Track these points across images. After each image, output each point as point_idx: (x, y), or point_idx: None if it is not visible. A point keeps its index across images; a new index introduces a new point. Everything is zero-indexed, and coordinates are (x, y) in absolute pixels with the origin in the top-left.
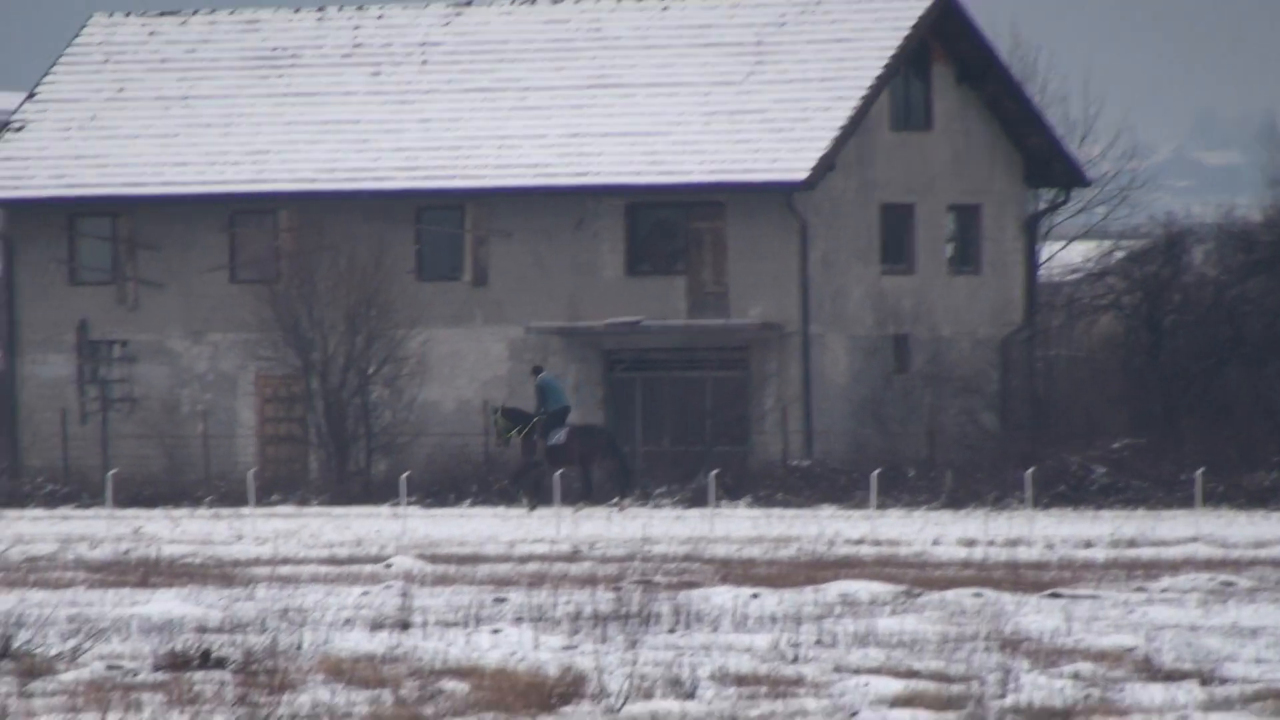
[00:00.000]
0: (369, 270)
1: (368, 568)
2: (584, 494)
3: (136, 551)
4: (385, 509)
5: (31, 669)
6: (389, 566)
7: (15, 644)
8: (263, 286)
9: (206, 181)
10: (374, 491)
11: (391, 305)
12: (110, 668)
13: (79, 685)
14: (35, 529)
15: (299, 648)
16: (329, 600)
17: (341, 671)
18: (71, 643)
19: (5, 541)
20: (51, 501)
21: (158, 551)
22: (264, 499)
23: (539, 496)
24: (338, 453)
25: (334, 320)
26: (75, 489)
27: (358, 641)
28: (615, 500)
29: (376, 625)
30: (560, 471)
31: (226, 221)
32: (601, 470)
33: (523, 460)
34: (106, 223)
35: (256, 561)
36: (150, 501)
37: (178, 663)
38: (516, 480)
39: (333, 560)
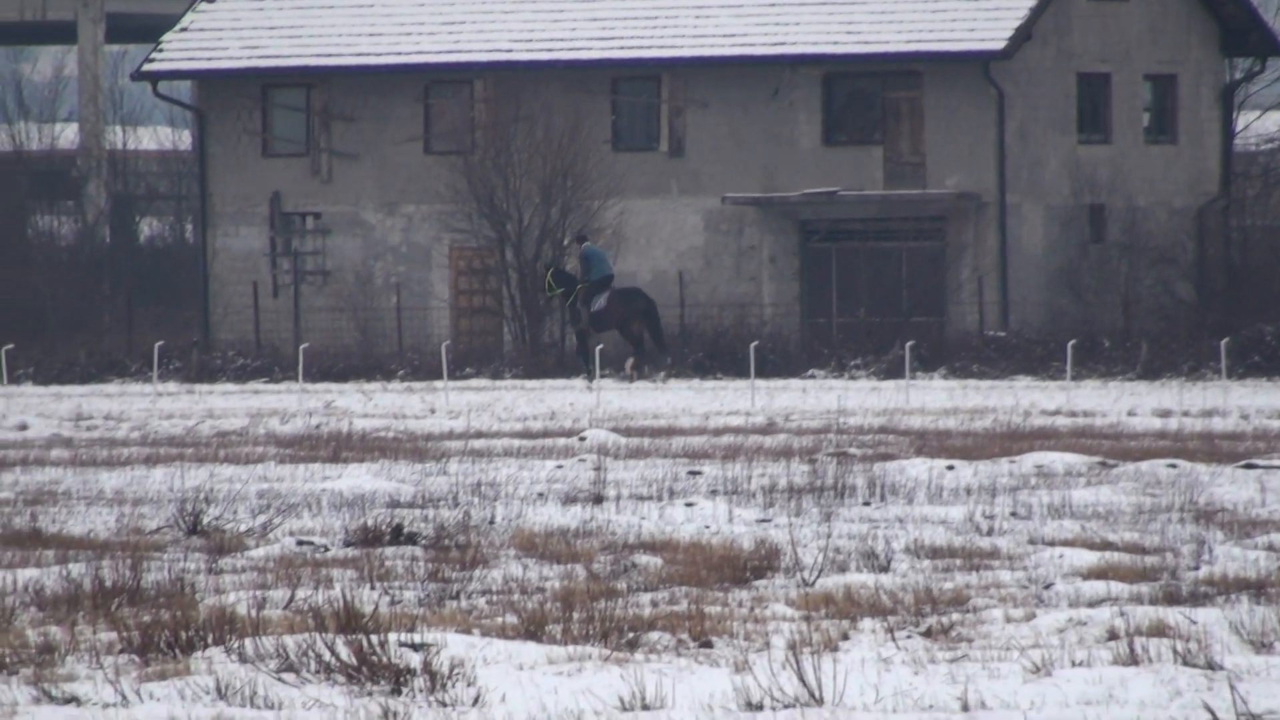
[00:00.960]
0: (564, 141)
1: (561, 441)
2: (635, 354)
3: (328, 426)
4: (579, 381)
5: (221, 545)
6: (583, 440)
7: (205, 520)
8: (457, 158)
9: (401, 52)
10: (568, 364)
11: (587, 176)
12: (300, 543)
13: (268, 561)
14: (226, 403)
15: (491, 522)
16: (522, 474)
17: (534, 546)
18: (261, 518)
19: (196, 416)
20: (242, 376)
21: (349, 426)
22: (457, 372)
23: (587, 365)
24: (532, 325)
25: (529, 191)
26: (266, 363)
27: (550, 515)
28: (626, 367)
29: (570, 499)
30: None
31: (421, 92)
32: (640, 334)
33: (577, 334)
34: (300, 94)
35: (449, 435)
36: (342, 375)
37: (369, 538)
38: (581, 354)
39: (526, 434)
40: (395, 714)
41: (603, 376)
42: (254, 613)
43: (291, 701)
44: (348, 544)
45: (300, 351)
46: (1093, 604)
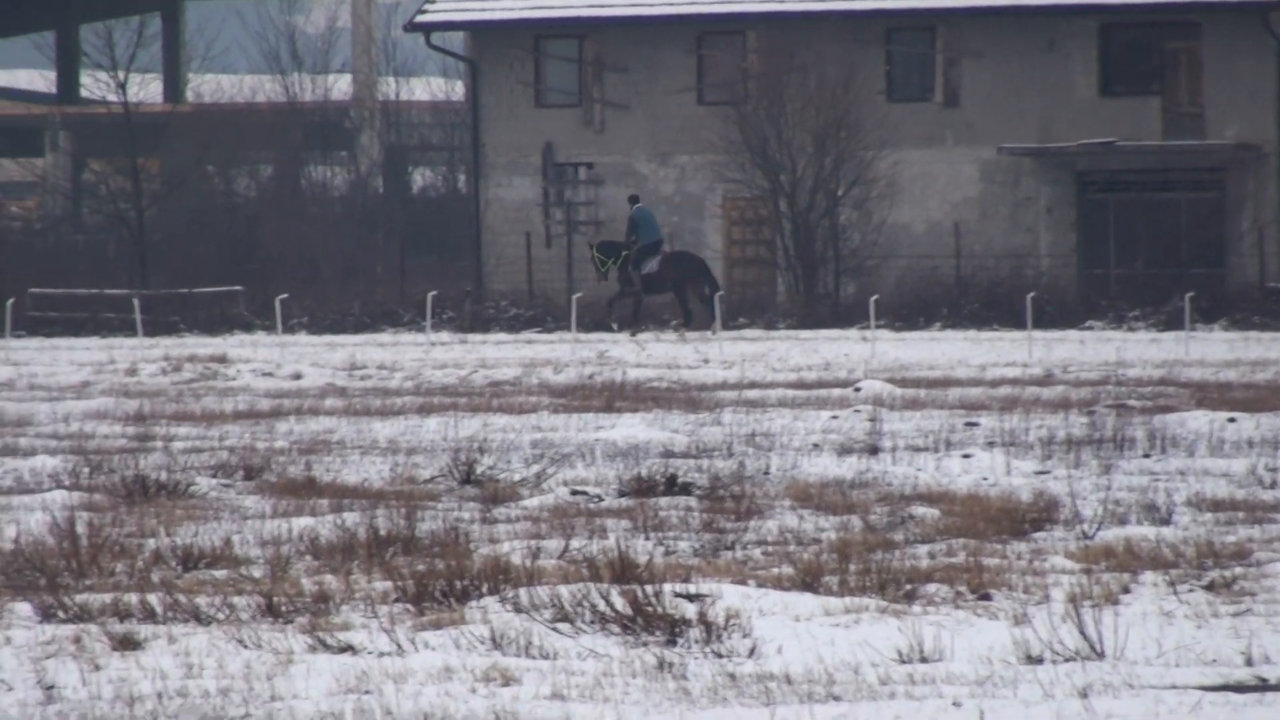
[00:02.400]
0: (838, 91)
1: (836, 392)
2: (684, 320)
3: (601, 376)
4: (854, 332)
5: (495, 494)
6: (858, 390)
7: (479, 469)
8: (730, 108)
9: (674, 3)
10: (842, 314)
11: (861, 126)
12: (574, 493)
13: (542, 511)
14: (499, 353)
15: (766, 473)
16: (796, 425)
17: (809, 497)
18: (535, 468)
19: (469, 366)
20: (515, 325)
21: (623, 376)
22: (731, 322)
23: (637, 323)
24: (806, 275)
25: (802, 142)
26: (539, 312)
27: (826, 466)
28: (676, 325)
29: (845, 450)
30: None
31: (694, 42)
32: (695, 295)
33: (620, 290)
34: (573, 44)
35: (723, 385)
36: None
37: (643, 488)
38: (611, 305)
39: (800, 384)
40: (670, 665)
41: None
42: (528, 562)
43: (566, 651)
44: (622, 494)
45: (573, 301)
46: None
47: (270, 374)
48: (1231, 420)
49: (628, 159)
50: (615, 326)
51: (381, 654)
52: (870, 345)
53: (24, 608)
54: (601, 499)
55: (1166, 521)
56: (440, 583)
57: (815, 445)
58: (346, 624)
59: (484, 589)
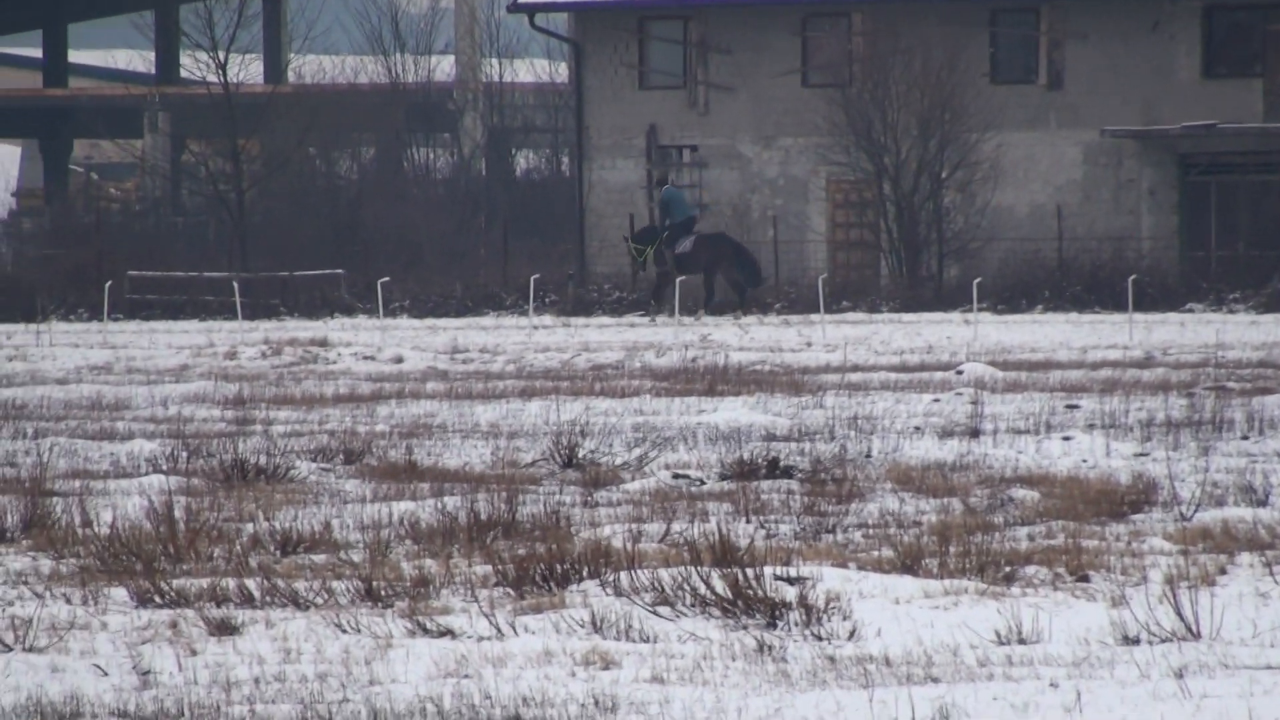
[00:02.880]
0: (942, 73)
1: (938, 374)
2: (706, 300)
3: (704, 359)
4: (956, 315)
5: (597, 478)
6: (959, 373)
7: (581, 453)
8: (835, 90)
9: None
10: (945, 297)
11: (964, 109)
12: (676, 476)
13: (644, 494)
14: (601, 336)
15: (868, 455)
16: (898, 407)
17: (910, 479)
18: (637, 451)
19: (571, 349)
20: (618, 309)
21: (725, 359)
22: (834, 305)
23: (661, 304)
24: (909, 258)
25: (906, 124)
26: (642, 296)
27: (927, 449)
28: (737, 312)
29: (946, 432)
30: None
31: (799, 25)
32: (727, 278)
33: (658, 274)
34: (677, 26)
35: (825, 368)
36: (718, 308)
37: (744, 471)
38: (654, 293)
39: (902, 367)
40: (771, 647)
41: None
42: (629, 546)
43: (667, 635)
44: (723, 477)
45: (676, 284)
46: None
47: (371, 357)
48: None
49: (732, 141)
50: (653, 309)
51: (481, 638)
52: (972, 328)
53: (120, 593)
54: (703, 482)
55: (1264, 503)
56: (540, 566)
57: (917, 428)
58: (446, 608)
59: (584, 573)
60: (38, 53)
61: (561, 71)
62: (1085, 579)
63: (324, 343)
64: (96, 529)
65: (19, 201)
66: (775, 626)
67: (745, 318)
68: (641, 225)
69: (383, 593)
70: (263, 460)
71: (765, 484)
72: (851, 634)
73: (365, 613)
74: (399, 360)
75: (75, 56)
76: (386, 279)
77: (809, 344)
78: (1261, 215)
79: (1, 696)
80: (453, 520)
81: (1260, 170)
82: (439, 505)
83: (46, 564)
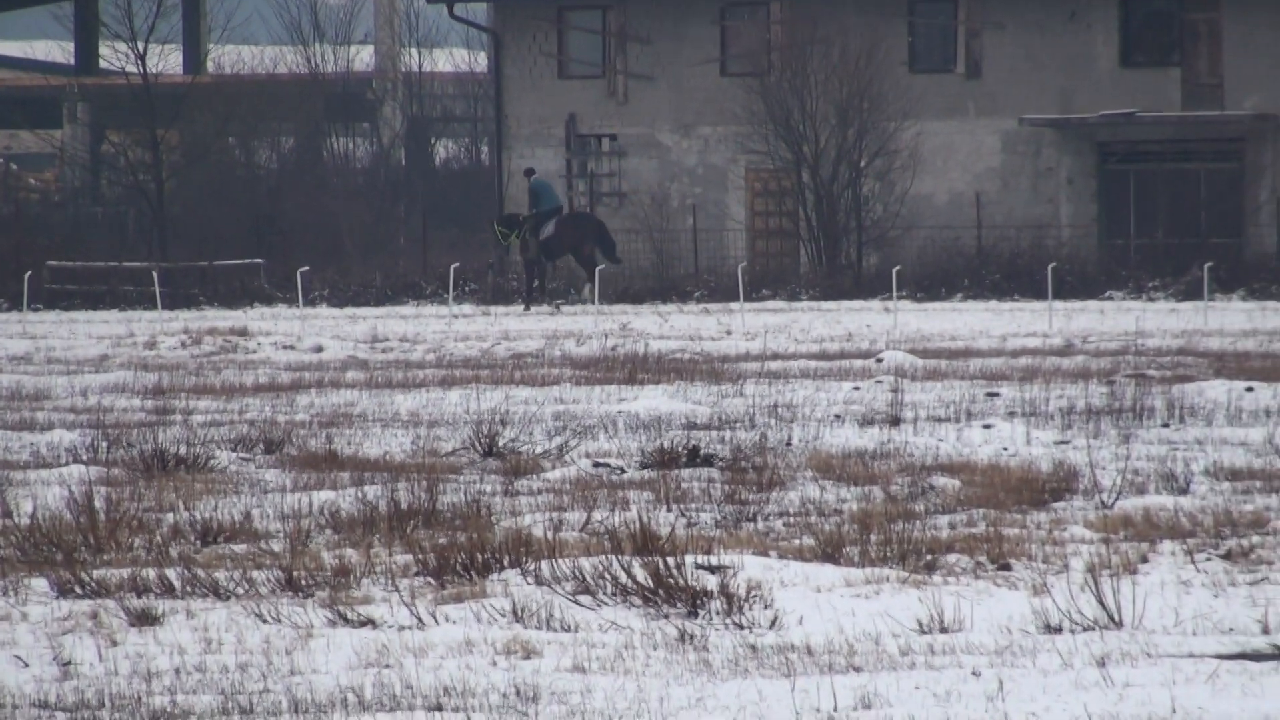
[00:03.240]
0: (860, 62)
1: (858, 363)
2: (588, 280)
3: (624, 348)
4: (876, 303)
5: (518, 467)
6: (879, 361)
7: (501, 442)
8: (753, 79)
9: None
10: (864, 285)
11: (883, 97)
12: (597, 465)
13: (564, 483)
14: (521, 325)
15: (788, 444)
16: (818, 395)
17: (831, 468)
18: (557, 440)
19: (491, 338)
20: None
21: (645, 347)
22: (753, 294)
23: (544, 293)
24: (828, 246)
25: (825, 113)
26: (562, 284)
27: (847, 437)
28: (584, 291)
29: (867, 420)
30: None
31: (717, 14)
32: (589, 255)
33: (525, 264)
34: (596, 15)
35: (745, 357)
36: (638, 297)
37: (665, 460)
38: (529, 289)
39: (822, 355)
40: (692, 636)
41: (566, 302)
42: (550, 535)
43: (588, 624)
44: (644, 466)
45: (596, 273)
46: None
47: (291, 347)
48: (1249, 389)
49: (651, 130)
50: (536, 301)
51: (402, 628)
52: (892, 316)
53: (41, 583)
54: (624, 471)
55: (1185, 490)
56: (461, 556)
57: (837, 416)
58: (367, 598)
59: (505, 562)
60: None
61: (481, 61)
62: (1007, 567)
63: (244, 332)
64: (16, 519)
65: None
66: (697, 615)
67: (596, 302)
68: (511, 212)
69: (303, 582)
70: (183, 450)
71: (686, 472)
72: (773, 623)
73: (286, 603)
74: (319, 349)
75: None
76: (306, 268)
77: (729, 332)
78: (1180, 204)
79: None
80: (373, 509)
81: (1178, 159)
82: (359, 494)
83: None
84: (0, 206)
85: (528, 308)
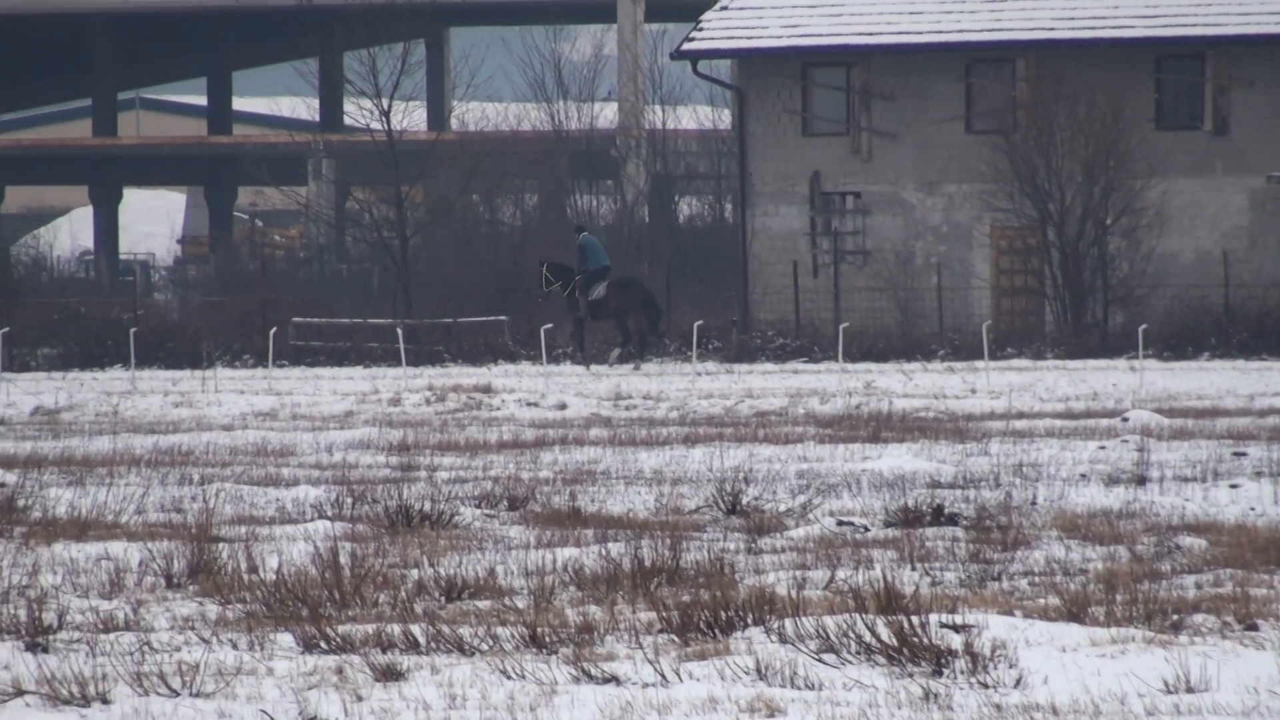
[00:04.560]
0: (1107, 119)
1: (1103, 421)
2: (621, 345)
3: (868, 406)
4: (1121, 361)
5: (761, 525)
6: (1125, 420)
7: (745, 499)
8: (999, 137)
9: (942, 30)
10: (1110, 344)
11: (1129, 155)
12: (840, 524)
13: (808, 541)
14: (765, 383)
15: (1033, 503)
16: (1063, 454)
17: (1076, 527)
18: (801, 498)
19: (734, 396)
20: (781, 355)
21: (889, 406)
22: (998, 352)
23: (584, 349)
24: (1074, 304)
25: (1071, 170)
26: (806, 343)
27: (1093, 496)
28: (611, 357)
29: (1112, 480)
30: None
31: (962, 70)
32: (635, 325)
33: (573, 320)
34: (840, 73)
35: (990, 415)
36: (881, 355)
37: (909, 519)
38: (576, 340)
39: (1068, 414)
40: (936, 695)
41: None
42: (793, 593)
43: (831, 682)
44: (888, 524)
45: (840, 331)
46: None
47: (535, 404)
48: None
49: (895, 188)
50: (583, 360)
51: (646, 684)
52: (1138, 375)
53: (286, 638)
54: (867, 529)
55: None
56: (705, 613)
57: (1083, 475)
58: (611, 654)
59: (749, 619)
60: (203, 100)
61: (724, 118)
62: (1254, 627)
63: (488, 389)
64: (262, 574)
65: (184, 249)
66: (941, 674)
67: (648, 365)
68: (563, 263)
69: (547, 639)
70: (427, 506)
71: (930, 531)
72: (1018, 682)
73: (530, 659)
74: (562, 407)
75: (240, 104)
76: (549, 325)
77: (973, 391)
78: None
79: None
80: (617, 566)
81: None
82: (603, 551)
83: (213, 609)
84: (246, 263)
85: (587, 366)
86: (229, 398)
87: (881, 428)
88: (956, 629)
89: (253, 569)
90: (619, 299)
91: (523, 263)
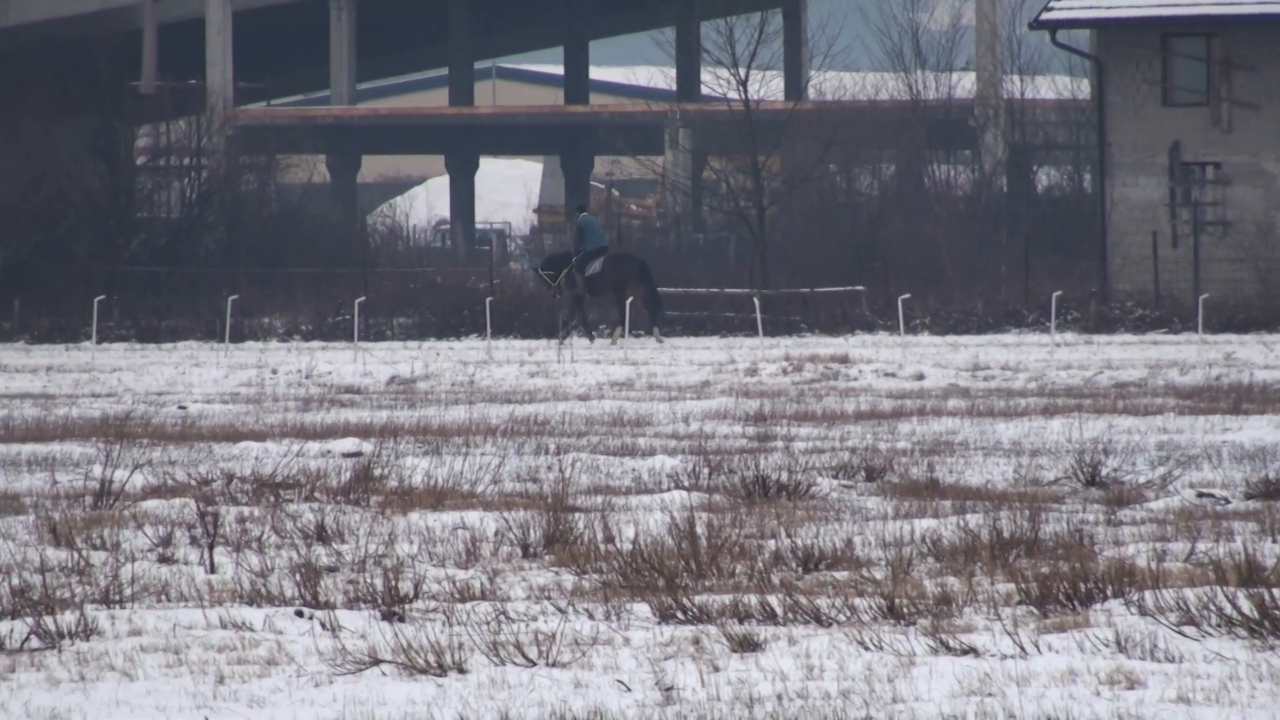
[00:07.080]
0: None
1: None
2: (619, 320)
3: (1228, 377)
4: (580, 342)
5: (1120, 497)
6: None
7: (1104, 471)
8: None
9: None
10: None
11: None
12: (1200, 495)
13: (1168, 513)
14: (1123, 354)
15: None
16: None
17: None
18: (1160, 470)
19: (1093, 367)
20: (1140, 326)
21: (1250, 377)
22: None
23: (584, 325)
24: None
25: None
26: (1165, 314)
27: None
28: (651, 331)
29: None
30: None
31: None
32: (635, 297)
33: (570, 298)
34: (1200, 43)
35: None
36: (1242, 326)
37: (1271, 491)
38: (567, 322)
39: None
40: None
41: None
42: (1153, 565)
43: (1191, 655)
44: (1249, 496)
45: (1200, 302)
46: None
47: (892, 374)
48: None
49: (1256, 159)
50: (585, 334)
51: (1004, 656)
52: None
53: (643, 608)
54: (1228, 501)
55: None
56: (1064, 585)
57: None
58: (968, 626)
59: (1108, 591)
60: (559, 70)
61: (1083, 88)
62: None
63: (844, 359)
64: (618, 544)
65: (540, 218)
66: None
67: (667, 337)
68: (553, 253)
69: (905, 610)
70: (784, 477)
71: None
72: None
73: (888, 630)
74: (920, 377)
75: (596, 73)
76: (907, 295)
77: None
78: None
79: (526, 711)
80: (975, 538)
81: None
82: (961, 522)
83: (569, 579)
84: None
85: (591, 339)
86: (584, 368)
87: (1242, 399)
88: None
89: (609, 539)
90: (615, 272)
91: (880, 233)
